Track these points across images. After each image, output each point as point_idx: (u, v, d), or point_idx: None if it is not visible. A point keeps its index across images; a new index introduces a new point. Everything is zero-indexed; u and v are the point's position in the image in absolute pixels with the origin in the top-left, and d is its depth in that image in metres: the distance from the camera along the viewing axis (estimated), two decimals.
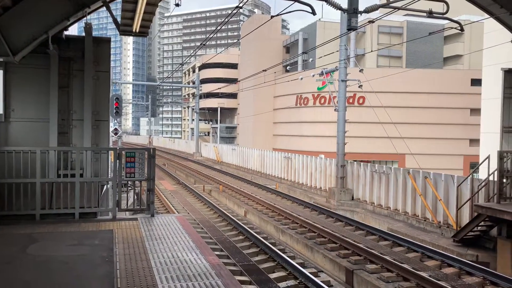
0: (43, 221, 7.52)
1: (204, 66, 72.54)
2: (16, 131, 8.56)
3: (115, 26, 9.17)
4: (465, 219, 12.47)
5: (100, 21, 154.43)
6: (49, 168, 7.88)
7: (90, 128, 8.69)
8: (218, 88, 44.75)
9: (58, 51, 8.47)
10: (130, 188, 15.24)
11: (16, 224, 7.28)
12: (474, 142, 37.10)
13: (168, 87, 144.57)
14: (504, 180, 11.13)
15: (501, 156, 11.07)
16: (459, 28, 12.17)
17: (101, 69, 8.96)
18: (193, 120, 59.16)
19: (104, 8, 8.89)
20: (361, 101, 43.03)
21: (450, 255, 10.62)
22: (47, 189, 7.68)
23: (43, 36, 7.85)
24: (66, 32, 8.81)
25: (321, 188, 21.86)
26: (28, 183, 7.53)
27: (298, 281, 9.01)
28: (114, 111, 17.51)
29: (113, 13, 9.07)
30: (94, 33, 9.08)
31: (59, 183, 7.85)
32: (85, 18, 8.80)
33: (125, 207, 11.62)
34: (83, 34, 8.78)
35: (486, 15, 12.24)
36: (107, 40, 9.18)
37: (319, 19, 54.04)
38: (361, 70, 21.84)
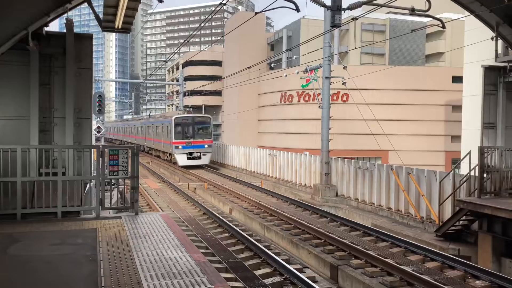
0: (25, 221, 7.40)
1: (188, 63, 72.03)
2: None
3: (97, 23, 9.05)
4: (447, 214, 12.66)
5: (82, 18, 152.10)
6: (30, 167, 7.75)
7: (72, 126, 8.58)
8: (203, 86, 44.59)
9: (39, 48, 8.32)
10: (113, 186, 15.07)
11: None
12: (456, 138, 37.68)
13: (152, 85, 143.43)
14: (485, 175, 11.34)
15: (481, 151, 11.27)
16: (440, 25, 12.31)
17: (83, 66, 8.84)
18: None
19: (86, 4, 8.76)
20: (345, 98, 43.27)
21: (433, 249, 10.78)
22: (29, 188, 7.55)
23: (23, 32, 7.68)
24: (46, 28, 8.66)
25: (305, 185, 21.97)
26: (9, 182, 7.39)
27: (283, 277, 9.04)
28: (97, 108, 17.31)
29: (95, 9, 8.95)
30: (76, 30, 8.94)
31: (40, 181, 7.73)
32: (66, 14, 8.66)
33: (109, 205, 11.52)
34: (65, 30, 8.64)
35: (467, 13, 12.42)
36: (89, 37, 9.06)
37: (303, 16, 54.13)
38: (344, 67, 21.95)
